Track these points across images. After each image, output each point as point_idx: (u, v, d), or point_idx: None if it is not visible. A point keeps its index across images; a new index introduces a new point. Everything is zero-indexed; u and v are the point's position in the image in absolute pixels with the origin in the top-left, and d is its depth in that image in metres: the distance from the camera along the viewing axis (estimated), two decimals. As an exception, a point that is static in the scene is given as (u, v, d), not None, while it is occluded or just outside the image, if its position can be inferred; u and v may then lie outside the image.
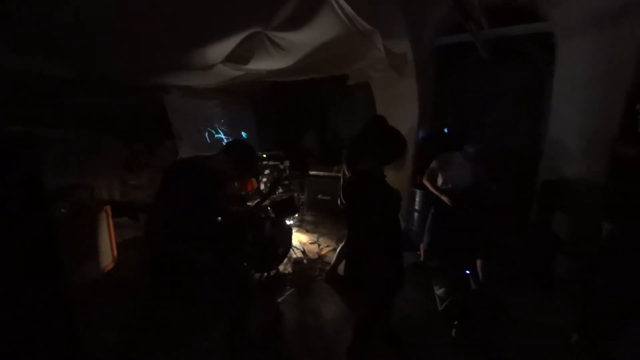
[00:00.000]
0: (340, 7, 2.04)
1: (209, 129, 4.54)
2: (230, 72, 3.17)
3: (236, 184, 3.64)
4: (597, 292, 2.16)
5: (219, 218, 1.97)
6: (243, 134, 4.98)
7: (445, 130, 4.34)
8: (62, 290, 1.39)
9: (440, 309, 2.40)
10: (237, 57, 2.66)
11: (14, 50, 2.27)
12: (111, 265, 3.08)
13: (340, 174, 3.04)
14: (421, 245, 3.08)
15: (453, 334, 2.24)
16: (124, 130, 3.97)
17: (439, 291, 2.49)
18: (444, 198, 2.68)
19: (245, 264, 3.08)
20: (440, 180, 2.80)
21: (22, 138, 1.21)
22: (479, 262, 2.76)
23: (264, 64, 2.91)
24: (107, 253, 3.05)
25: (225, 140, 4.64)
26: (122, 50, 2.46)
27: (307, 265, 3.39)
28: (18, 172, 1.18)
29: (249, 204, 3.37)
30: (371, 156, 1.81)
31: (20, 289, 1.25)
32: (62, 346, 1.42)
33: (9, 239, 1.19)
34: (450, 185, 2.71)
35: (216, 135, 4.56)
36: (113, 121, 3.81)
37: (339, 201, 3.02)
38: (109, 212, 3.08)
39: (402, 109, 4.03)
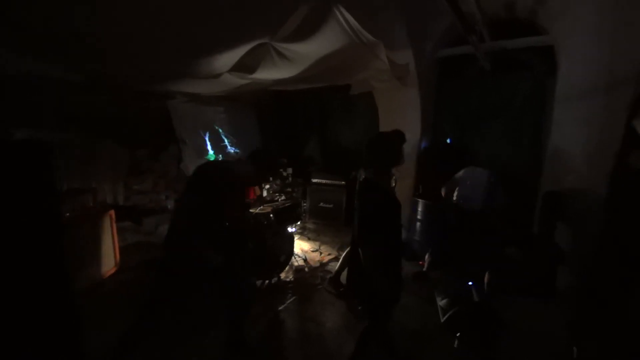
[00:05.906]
0: (345, 19, 2.09)
1: (208, 132, 4.49)
2: (236, 80, 3.22)
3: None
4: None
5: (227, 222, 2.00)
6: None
7: (448, 140, 4.36)
8: (67, 293, 1.40)
9: (442, 320, 2.38)
10: (243, 66, 2.71)
11: (20, 53, 2.27)
12: (114, 270, 3.08)
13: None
14: (426, 256, 3.07)
15: (455, 345, 2.21)
16: (128, 134, 4.00)
17: (441, 302, 2.47)
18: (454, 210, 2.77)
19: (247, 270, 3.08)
20: (456, 193, 2.86)
21: (35, 146, 1.24)
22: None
23: (269, 73, 2.96)
24: (110, 257, 3.06)
25: (229, 147, 4.66)
26: (128, 55, 2.47)
27: (309, 273, 3.37)
28: (29, 179, 1.21)
29: (251, 210, 3.39)
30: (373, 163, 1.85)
31: (26, 291, 1.26)
32: (64, 347, 1.42)
33: (19, 243, 1.20)
34: (464, 200, 2.78)
35: (221, 144, 4.56)
36: (117, 126, 3.83)
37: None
38: (113, 216, 3.10)
39: (404, 119, 4.06)
